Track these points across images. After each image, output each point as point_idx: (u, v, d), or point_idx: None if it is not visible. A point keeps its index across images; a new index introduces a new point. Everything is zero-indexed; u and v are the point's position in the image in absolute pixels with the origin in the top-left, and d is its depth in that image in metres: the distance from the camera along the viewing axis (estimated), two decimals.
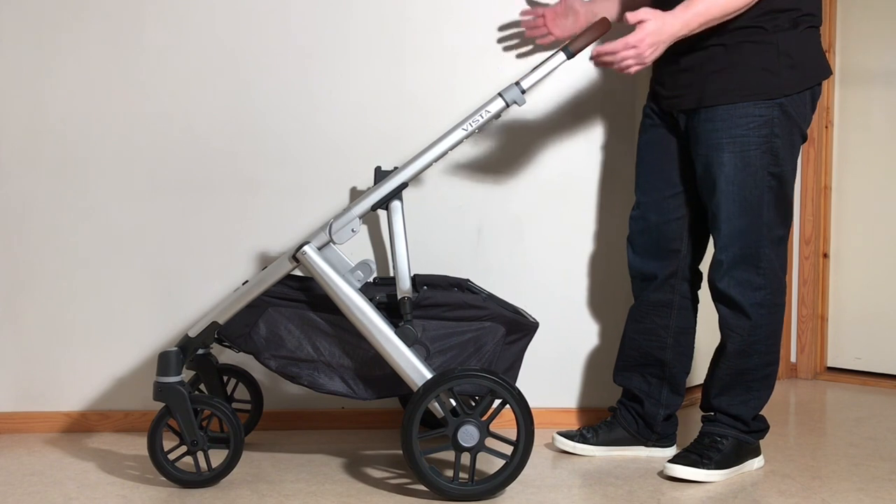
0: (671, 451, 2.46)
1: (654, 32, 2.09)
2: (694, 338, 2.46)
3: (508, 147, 2.71)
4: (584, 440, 2.47)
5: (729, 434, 2.31)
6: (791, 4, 2.16)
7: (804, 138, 2.26)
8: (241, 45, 2.64)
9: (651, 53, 2.11)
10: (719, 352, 2.34)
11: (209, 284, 2.64)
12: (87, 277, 2.64)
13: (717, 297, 2.29)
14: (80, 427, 2.64)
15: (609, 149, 2.72)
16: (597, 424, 2.52)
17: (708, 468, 2.26)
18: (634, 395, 2.48)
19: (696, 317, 2.46)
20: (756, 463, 2.37)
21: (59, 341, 2.64)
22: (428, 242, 2.66)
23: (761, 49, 2.17)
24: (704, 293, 2.39)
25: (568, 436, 2.49)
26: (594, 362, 2.76)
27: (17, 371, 2.64)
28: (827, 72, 2.25)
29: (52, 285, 2.63)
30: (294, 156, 2.66)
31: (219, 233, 2.66)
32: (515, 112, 2.64)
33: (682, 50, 2.22)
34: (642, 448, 2.48)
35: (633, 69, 2.13)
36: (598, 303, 2.75)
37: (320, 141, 2.67)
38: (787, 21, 2.16)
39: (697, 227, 2.38)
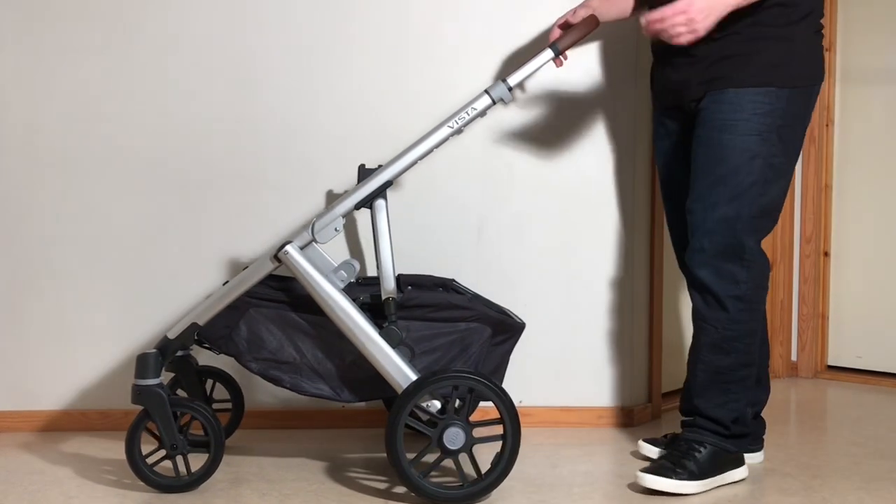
0: (759, 456, 2.36)
1: None
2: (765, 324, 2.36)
3: (509, 146, 2.70)
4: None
5: (707, 441, 2.18)
6: (805, 2, 2.14)
7: (803, 134, 2.24)
8: (240, 44, 2.64)
9: (703, 20, 2.00)
10: (694, 350, 2.23)
11: (209, 284, 2.63)
12: (87, 277, 2.64)
13: (695, 285, 2.19)
14: (80, 426, 2.64)
15: (609, 148, 2.72)
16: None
17: (680, 478, 2.12)
18: None
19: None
20: (738, 474, 2.23)
21: (59, 341, 2.64)
22: (428, 242, 2.66)
23: (774, 41, 2.12)
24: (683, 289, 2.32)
25: (653, 443, 2.40)
26: (595, 361, 2.75)
27: (17, 370, 2.64)
28: (823, 75, 2.23)
29: (52, 285, 2.64)
30: (294, 155, 2.66)
31: (219, 232, 2.66)
32: (517, 111, 2.64)
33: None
34: None
35: (684, 38, 2.03)
36: (598, 302, 2.74)
37: (320, 140, 2.66)
38: (798, 16, 2.13)
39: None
